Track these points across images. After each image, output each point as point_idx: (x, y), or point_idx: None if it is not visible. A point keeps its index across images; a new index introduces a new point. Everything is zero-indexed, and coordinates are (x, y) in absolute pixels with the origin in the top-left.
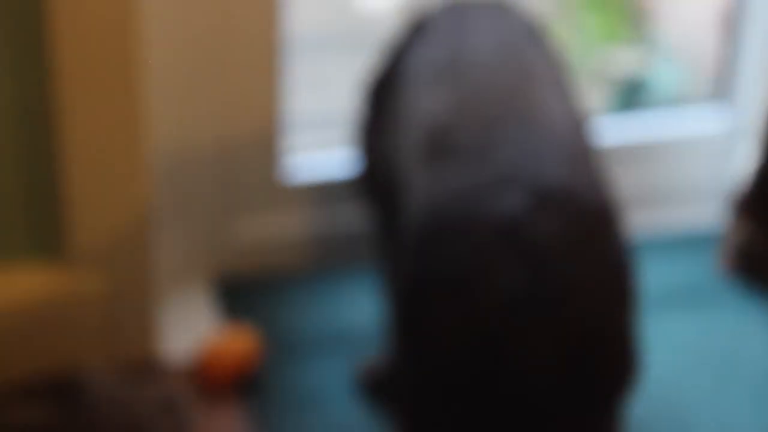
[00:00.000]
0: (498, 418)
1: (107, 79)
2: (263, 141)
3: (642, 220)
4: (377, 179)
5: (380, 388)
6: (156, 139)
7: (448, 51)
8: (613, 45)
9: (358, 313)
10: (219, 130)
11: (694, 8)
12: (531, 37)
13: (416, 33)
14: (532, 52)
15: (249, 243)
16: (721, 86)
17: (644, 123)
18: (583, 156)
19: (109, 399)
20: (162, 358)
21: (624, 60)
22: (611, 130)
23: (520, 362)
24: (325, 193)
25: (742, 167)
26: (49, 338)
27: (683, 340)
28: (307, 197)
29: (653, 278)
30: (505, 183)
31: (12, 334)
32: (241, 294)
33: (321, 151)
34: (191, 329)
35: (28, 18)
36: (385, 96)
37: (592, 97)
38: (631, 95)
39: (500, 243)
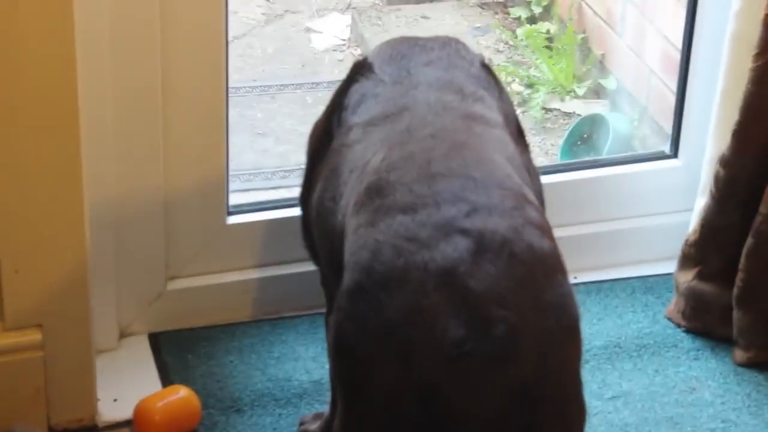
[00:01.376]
0: None
1: (42, 135)
2: (205, 194)
3: (593, 267)
4: (313, 232)
5: None
6: (93, 194)
7: (390, 102)
8: (567, 91)
9: (301, 367)
10: (159, 182)
11: (648, 54)
12: (480, 81)
13: (359, 79)
14: (478, 97)
15: (189, 297)
16: (674, 135)
17: (597, 168)
18: (524, 204)
19: None
20: (99, 418)
21: (578, 106)
22: (564, 175)
23: (464, 414)
24: (268, 245)
25: (691, 217)
26: None
27: (635, 389)
28: (249, 250)
29: (603, 327)
30: (442, 233)
31: None
32: (179, 349)
33: (264, 200)
34: (130, 387)
35: None
36: (325, 145)
37: (546, 142)
38: (586, 140)
39: (437, 293)
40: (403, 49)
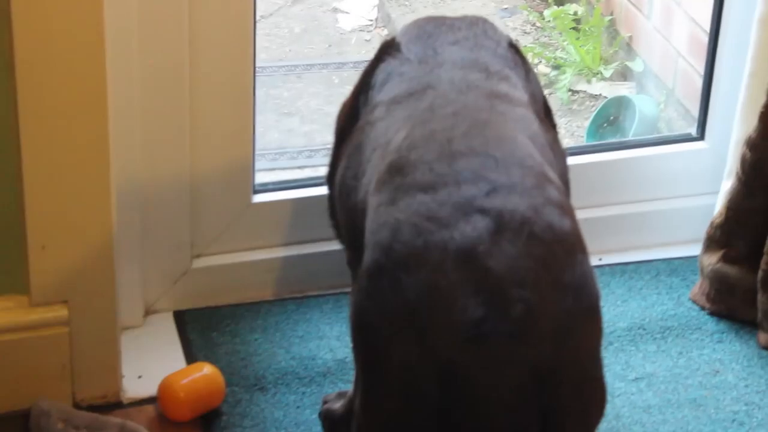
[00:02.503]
0: None
1: (71, 114)
2: (231, 173)
3: (618, 249)
4: (338, 211)
5: (343, 424)
6: (120, 171)
7: (415, 81)
8: (594, 73)
9: (325, 345)
10: (186, 160)
11: (675, 36)
12: (506, 61)
13: (386, 59)
14: (504, 76)
15: (214, 275)
16: (701, 117)
17: (623, 150)
18: (545, 183)
19: None
20: (124, 395)
21: (606, 87)
22: (590, 157)
23: (481, 394)
24: (293, 224)
25: (716, 200)
26: (11, 373)
27: (658, 371)
28: (275, 228)
29: (627, 308)
30: (462, 212)
31: None
32: (204, 327)
33: (290, 179)
34: (155, 364)
35: None
36: (352, 124)
37: (572, 123)
38: (612, 122)
39: (456, 273)
40: (430, 28)
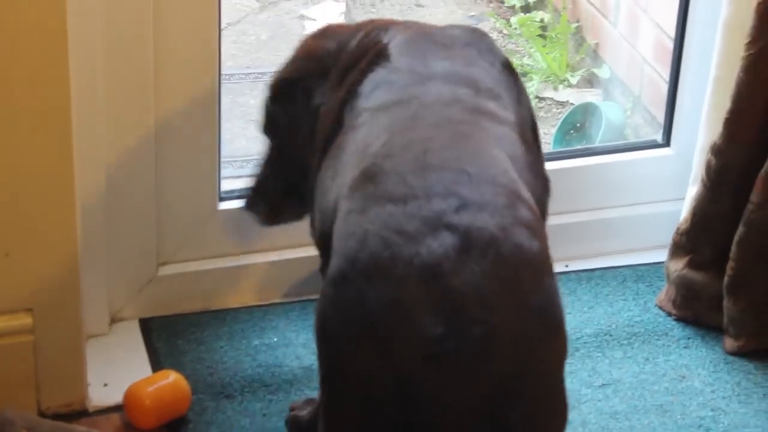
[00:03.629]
0: None
1: (34, 121)
2: (197, 180)
3: (584, 255)
4: (314, 213)
5: (306, 428)
6: (85, 178)
7: (402, 90)
8: (561, 80)
9: (291, 353)
10: (151, 167)
11: (641, 43)
12: (498, 80)
13: (375, 69)
14: (494, 95)
15: (180, 283)
16: (667, 124)
17: (589, 156)
18: (516, 202)
19: None
20: (90, 403)
21: (572, 94)
22: (557, 163)
23: (439, 411)
24: (259, 232)
25: (682, 206)
26: None
27: (624, 377)
28: (241, 235)
29: (594, 315)
30: (430, 227)
31: None
32: (170, 335)
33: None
34: (120, 372)
35: None
36: (335, 132)
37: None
38: (579, 128)
39: (419, 288)
40: (425, 41)
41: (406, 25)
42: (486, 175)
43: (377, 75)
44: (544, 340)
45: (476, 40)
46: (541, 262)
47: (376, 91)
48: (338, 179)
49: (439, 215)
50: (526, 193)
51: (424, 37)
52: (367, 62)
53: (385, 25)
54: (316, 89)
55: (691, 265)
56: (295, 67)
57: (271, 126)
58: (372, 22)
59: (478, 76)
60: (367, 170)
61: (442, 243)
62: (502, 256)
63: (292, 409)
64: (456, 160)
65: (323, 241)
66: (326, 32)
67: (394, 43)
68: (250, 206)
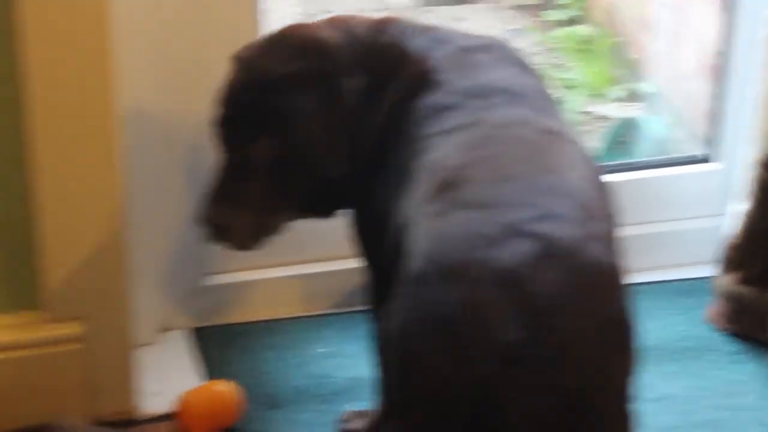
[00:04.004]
0: None
1: (82, 128)
2: None
3: (632, 270)
4: (369, 230)
5: None
6: (136, 185)
7: (467, 113)
8: (603, 94)
9: (340, 364)
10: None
11: (684, 57)
12: (543, 93)
13: (421, 93)
14: (550, 113)
15: (229, 292)
16: (711, 138)
17: (632, 171)
18: (594, 217)
19: None
20: (140, 411)
21: (614, 109)
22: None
23: (512, 417)
24: (309, 242)
25: (731, 221)
26: (27, 389)
27: (676, 392)
28: (291, 246)
29: (643, 329)
30: (511, 233)
31: None
32: (219, 344)
33: None
34: (170, 381)
35: None
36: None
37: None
38: (621, 143)
39: (499, 293)
40: (468, 58)
41: (417, 27)
42: (564, 189)
43: (433, 99)
44: (617, 353)
45: (504, 48)
46: (617, 276)
47: (437, 116)
48: (408, 195)
49: (519, 223)
50: (601, 210)
51: (466, 55)
52: (411, 83)
53: (393, 22)
54: (331, 84)
55: (741, 280)
56: (308, 59)
57: (271, 123)
58: (383, 20)
59: (531, 93)
60: (445, 180)
61: (522, 249)
62: (580, 267)
63: (341, 421)
64: (534, 173)
65: (380, 256)
66: (332, 23)
67: (434, 62)
68: (221, 232)
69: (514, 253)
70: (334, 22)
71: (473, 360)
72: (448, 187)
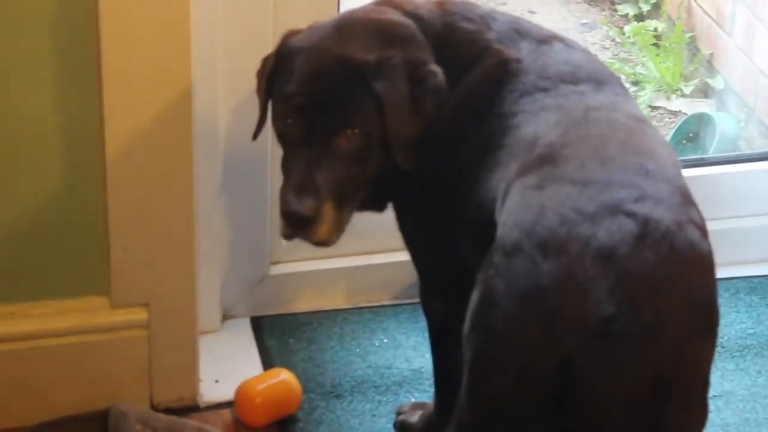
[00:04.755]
0: None
1: (155, 118)
2: None
3: None
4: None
5: None
6: (203, 177)
7: (559, 95)
8: (674, 89)
9: (401, 355)
10: (266, 167)
11: (758, 53)
12: (619, 80)
13: (510, 78)
14: (632, 100)
15: (291, 282)
16: None
17: (703, 167)
18: (690, 204)
19: None
20: (201, 399)
21: (684, 105)
22: None
23: (596, 392)
24: (371, 233)
25: None
26: (90, 374)
27: (737, 389)
28: (353, 237)
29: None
30: (610, 211)
31: (56, 369)
32: (280, 334)
33: None
34: (231, 369)
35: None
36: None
37: None
38: (692, 138)
39: (595, 268)
40: (547, 47)
41: (482, 11)
42: (663, 174)
43: (523, 82)
44: (703, 337)
45: (556, 33)
46: (710, 262)
47: (530, 96)
48: (499, 170)
49: (618, 202)
50: (694, 199)
51: (532, 37)
52: (496, 68)
53: (451, 4)
54: (422, 72)
55: None
56: (393, 46)
57: (359, 112)
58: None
59: (610, 78)
60: (543, 154)
61: (620, 228)
62: (676, 250)
63: (399, 413)
64: (634, 156)
65: (476, 230)
66: (390, 4)
67: (517, 47)
68: (305, 225)
69: (612, 230)
70: (392, 4)
71: (562, 331)
72: (545, 161)
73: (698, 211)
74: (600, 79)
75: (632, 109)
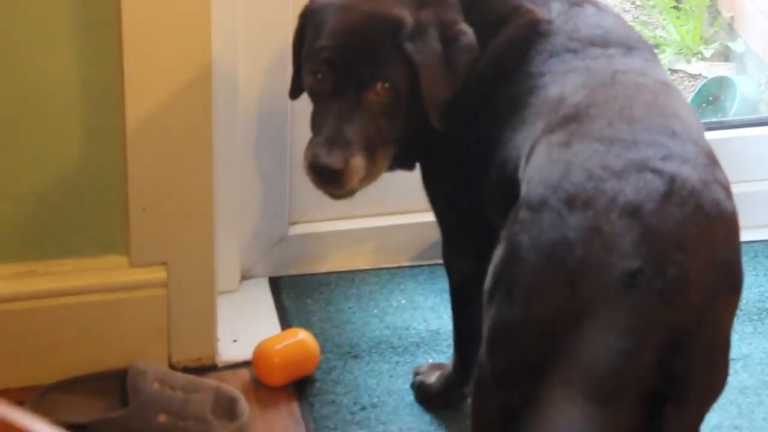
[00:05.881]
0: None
1: (175, 78)
2: None
3: None
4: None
5: (435, 396)
6: (221, 135)
7: (587, 57)
8: (694, 53)
9: (419, 316)
10: (286, 128)
11: None
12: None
13: (538, 38)
14: (656, 60)
15: (310, 243)
16: None
17: (723, 129)
18: (715, 164)
19: (166, 395)
20: (219, 358)
21: (704, 68)
22: None
23: (619, 344)
24: (390, 194)
25: None
26: (110, 333)
27: (755, 352)
28: (371, 198)
29: None
30: (637, 168)
31: (75, 328)
32: (299, 294)
33: None
34: (249, 329)
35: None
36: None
37: None
38: (712, 101)
39: (620, 221)
40: (579, 10)
41: None
42: (689, 135)
43: (552, 43)
44: (726, 296)
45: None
46: (735, 222)
47: (559, 57)
48: (524, 128)
49: (645, 159)
50: (718, 160)
51: (579, 10)
52: (526, 29)
53: None
54: (453, 31)
55: None
56: (426, 6)
57: (391, 69)
58: None
59: (639, 44)
60: (569, 113)
61: (646, 184)
62: (702, 208)
63: (417, 374)
64: (660, 117)
65: (499, 188)
66: None
67: (548, 9)
68: (334, 176)
69: (639, 186)
70: None
71: (586, 284)
72: (571, 119)
73: (723, 172)
74: (630, 44)
75: (660, 75)
